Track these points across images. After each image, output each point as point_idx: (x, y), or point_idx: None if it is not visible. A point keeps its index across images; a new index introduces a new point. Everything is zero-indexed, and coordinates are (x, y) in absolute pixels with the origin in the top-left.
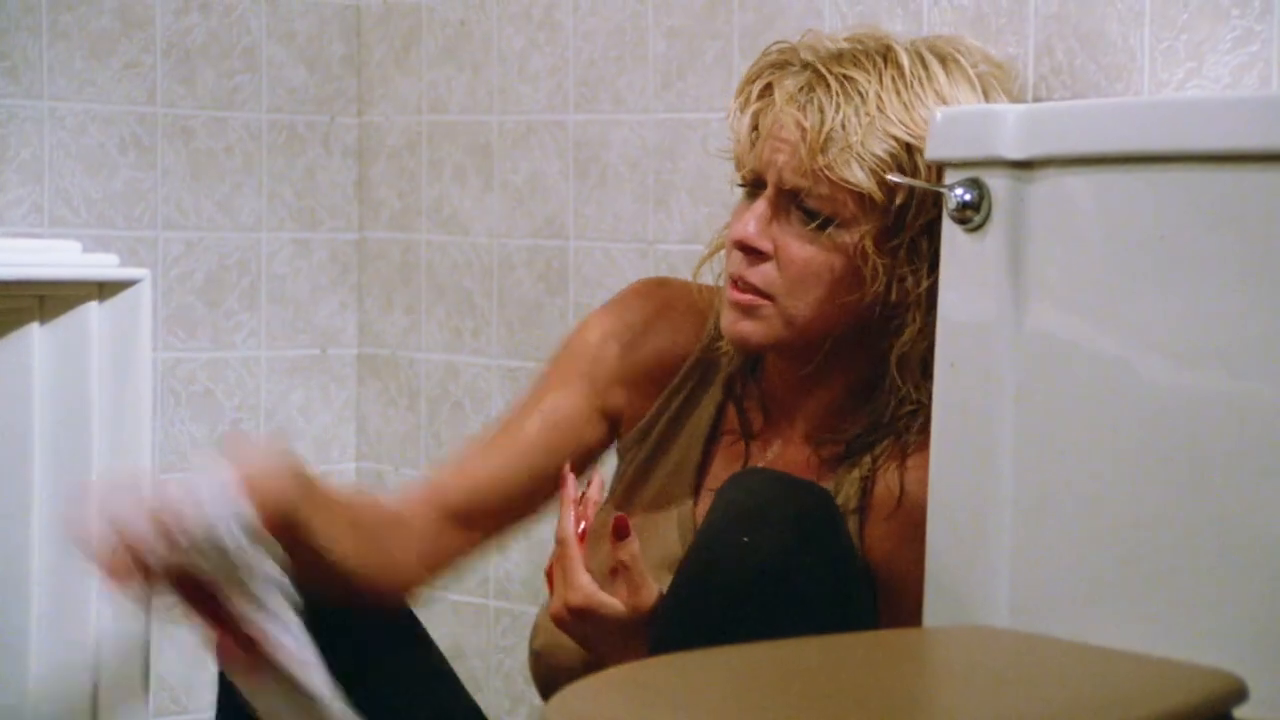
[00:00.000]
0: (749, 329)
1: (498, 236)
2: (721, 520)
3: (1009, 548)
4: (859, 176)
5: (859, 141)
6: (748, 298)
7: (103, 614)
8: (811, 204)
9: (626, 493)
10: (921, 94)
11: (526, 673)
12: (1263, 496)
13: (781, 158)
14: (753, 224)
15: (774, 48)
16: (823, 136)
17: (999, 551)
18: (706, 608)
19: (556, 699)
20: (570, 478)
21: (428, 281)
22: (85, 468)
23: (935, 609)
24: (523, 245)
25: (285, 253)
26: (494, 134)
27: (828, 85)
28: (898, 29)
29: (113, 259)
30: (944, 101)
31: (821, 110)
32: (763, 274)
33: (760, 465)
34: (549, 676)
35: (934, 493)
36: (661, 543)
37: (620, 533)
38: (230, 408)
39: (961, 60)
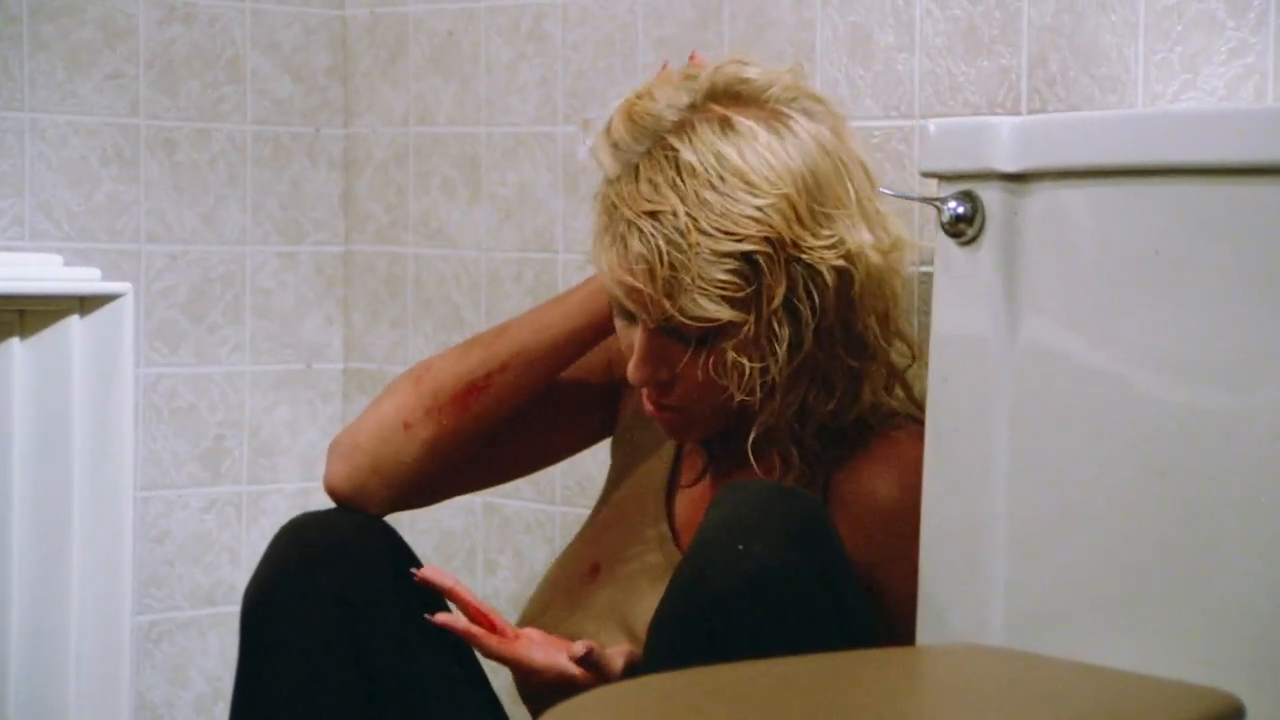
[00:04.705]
0: (687, 431)
1: (486, 250)
2: (716, 530)
3: (1003, 564)
4: (711, 309)
5: (695, 276)
6: (669, 415)
7: (83, 632)
8: (685, 331)
9: (610, 488)
10: (726, 187)
11: (517, 693)
12: (1259, 513)
13: (636, 306)
14: (644, 368)
15: (599, 192)
16: (659, 286)
17: (994, 568)
18: (701, 616)
19: (548, 717)
20: (453, 618)
21: (415, 295)
22: (66, 484)
23: (929, 626)
24: (511, 258)
25: (270, 266)
26: (482, 146)
27: (641, 232)
28: (889, 41)
29: (95, 273)
30: (750, 184)
31: (646, 262)
32: (674, 394)
33: (720, 460)
34: (536, 699)
35: (927, 509)
36: (634, 535)
37: (577, 653)
38: (214, 423)
39: (738, 118)
